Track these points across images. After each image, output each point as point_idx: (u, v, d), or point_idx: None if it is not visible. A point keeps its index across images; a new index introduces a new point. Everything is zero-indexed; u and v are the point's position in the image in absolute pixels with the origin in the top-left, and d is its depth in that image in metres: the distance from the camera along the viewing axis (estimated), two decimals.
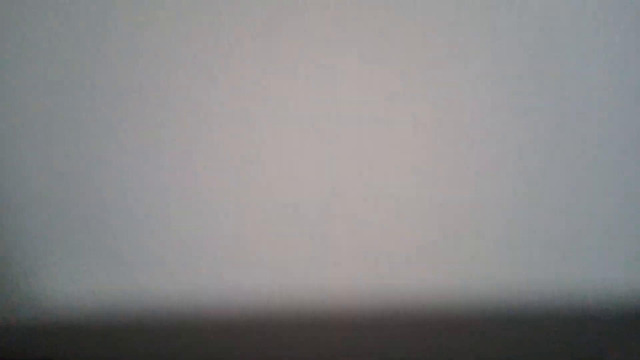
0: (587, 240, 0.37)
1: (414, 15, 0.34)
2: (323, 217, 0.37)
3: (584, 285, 0.38)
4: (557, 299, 0.39)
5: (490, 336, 0.40)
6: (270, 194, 0.38)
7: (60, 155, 0.38)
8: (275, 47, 0.34)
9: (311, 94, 0.34)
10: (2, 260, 0.40)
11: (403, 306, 0.40)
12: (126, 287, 0.41)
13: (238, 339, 0.43)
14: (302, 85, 0.35)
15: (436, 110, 0.34)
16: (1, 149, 0.38)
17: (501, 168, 0.35)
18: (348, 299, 0.41)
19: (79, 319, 0.42)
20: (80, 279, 0.41)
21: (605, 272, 0.37)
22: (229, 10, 0.34)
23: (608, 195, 0.35)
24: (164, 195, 0.39)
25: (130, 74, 0.35)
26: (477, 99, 0.33)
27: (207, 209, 0.39)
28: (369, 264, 0.39)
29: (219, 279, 0.41)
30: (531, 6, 0.33)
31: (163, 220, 0.40)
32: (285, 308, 0.42)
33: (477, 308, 0.40)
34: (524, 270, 0.38)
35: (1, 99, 0.36)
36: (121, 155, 0.38)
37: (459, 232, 0.37)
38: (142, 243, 0.41)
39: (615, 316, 0.38)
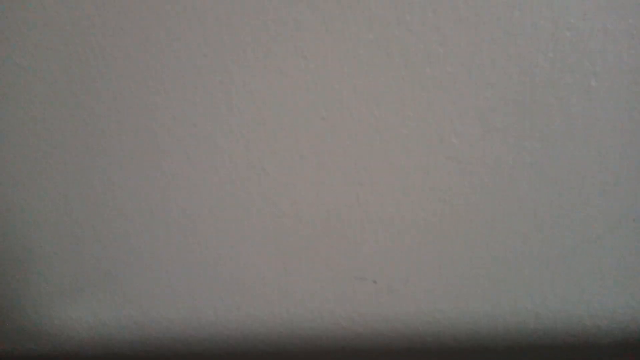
0: (582, 259, 0.38)
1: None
2: (320, 240, 0.38)
3: (582, 307, 0.39)
4: (555, 321, 0.40)
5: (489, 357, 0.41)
6: (271, 217, 0.39)
7: (70, 194, 0.39)
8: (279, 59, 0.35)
9: (309, 117, 0.36)
10: (16, 294, 0.42)
11: (402, 328, 0.41)
12: (131, 314, 0.42)
13: None
14: (299, 108, 0.36)
15: (431, 131, 0.35)
16: (18, 196, 0.39)
17: (496, 190, 0.36)
18: (347, 321, 0.41)
19: (87, 347, 0.43)
20: (90, 308, 0.42)
21: (603, 295, 0.38)
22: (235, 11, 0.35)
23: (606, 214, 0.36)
24: (165, 221, 0.40)
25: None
26: (470, 124, 0.34)
27: (207, 233, 0.40)
28: (367, 286, 0.40)
29: (220, 305, 0.42)
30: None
31: (165, 250, 0.41)
32: (283, 329, 0.43)
33: (475, 331, 0.41)
34: (521, 292, 0.39)
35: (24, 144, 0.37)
36: (123, 188, 0.39)
37: (456, 254, 0.38)
38: (145, 272, 0.41)
39: (614, 339, 0.39)
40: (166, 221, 0.40)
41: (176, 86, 0.35)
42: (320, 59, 0.34)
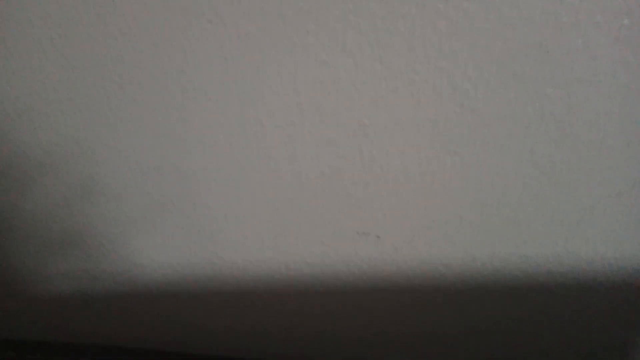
0: (596, 213, 0.36)
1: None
2: (321, 196, 0.36)
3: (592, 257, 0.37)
4: (568, 278, 0.38)
5: (492, 310, 0.40)
6: (268, 172, 0.37)
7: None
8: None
9: (310, 70, 0.33)
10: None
11: (405, 284, 0.40)
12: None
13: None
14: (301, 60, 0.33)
15: (443, 78, 0.32)
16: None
17: (511, 142, 0.33)
18: (348, 277, 0.40)
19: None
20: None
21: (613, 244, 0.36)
22: None
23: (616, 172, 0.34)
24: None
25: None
26: (486, 69, 0.31)
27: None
28: (370, 242, 0.38)
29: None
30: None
31: (160, 207, 0.39)
32: (281, 285, 0.42)
33: (483, 288, 0.39)
34: (533, 250, 0.37)
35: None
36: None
37: (465, 210, 0.36)
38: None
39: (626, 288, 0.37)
40: (160, 177, 0.38)
41: (166, 36, 0.32)
42: None
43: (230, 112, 0.34)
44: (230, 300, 0.43)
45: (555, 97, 0.31)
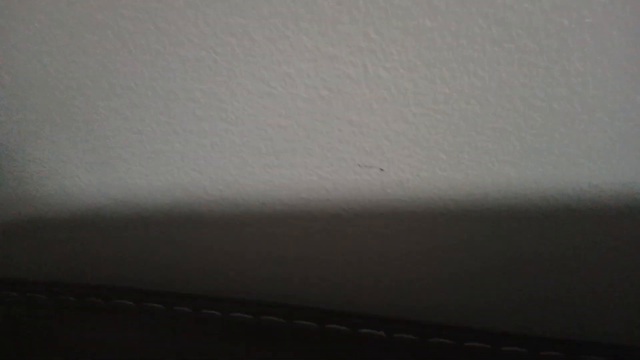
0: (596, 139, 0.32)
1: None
2: (318, 121, 0.32)
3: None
4: (587, 210, 0.35)
5: (492, 231, 0.37)
6: (258, 94, 0.32)
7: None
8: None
9: None
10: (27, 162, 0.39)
11: (410, 221, 0.36)
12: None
13: (236, 231, 0.40)
14: None
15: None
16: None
17: (535, 58, 0.28)
18: (348, 213, 0.37)
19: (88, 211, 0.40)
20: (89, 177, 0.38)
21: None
22: None
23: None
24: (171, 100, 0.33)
25: None
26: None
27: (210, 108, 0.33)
28: (373, 175, 0.34)
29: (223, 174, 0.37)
30: None
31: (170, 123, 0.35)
32: (276, 220, 0.39)
33: (494, 223, 0.36)
34: (551, 178, 0.33)
35: None
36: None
37: (480, 140, 0.32)
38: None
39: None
40: (137, 99, 0.33)
41: None
42: None
43: (213, 20, 0.29)
44: (216, 235, 0.40)
45: (597, 4, 0.26)
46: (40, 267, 0.46)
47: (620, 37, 0.27)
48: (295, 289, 0.42)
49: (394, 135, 0.32)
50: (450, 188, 0.34)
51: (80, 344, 0.42)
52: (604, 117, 0.30)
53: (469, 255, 0.37)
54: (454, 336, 0.37)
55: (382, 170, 0.34)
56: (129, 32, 0.31)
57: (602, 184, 0.32)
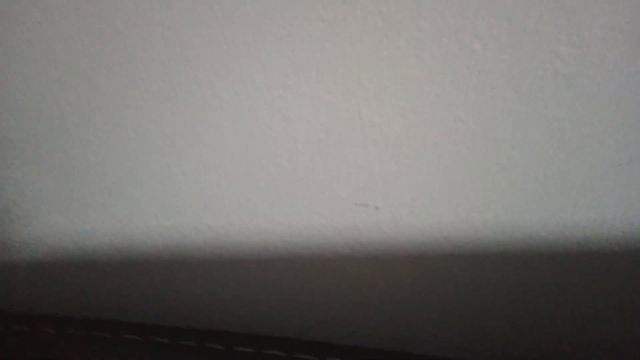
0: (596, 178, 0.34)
1: None
2: (316, 162, 0.34)
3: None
4: (572, 248, 0.37)
5: (494, 278, 0.38)
6: (260, 135, 0.35)
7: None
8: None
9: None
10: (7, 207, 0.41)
11: (406, 258, 0.38)
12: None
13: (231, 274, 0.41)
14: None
15: (449, 34, 0.30)
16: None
17: (522, 106, 0.31)
18: (346, 249, 0.38)
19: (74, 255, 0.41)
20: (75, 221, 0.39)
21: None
22: None
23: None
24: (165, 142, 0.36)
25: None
26: (495, 25, 0.29)
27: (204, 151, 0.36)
28: (369, 213, 0.36)
29: (217, 220, 0.39)
30: None
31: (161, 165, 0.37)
32: (275, 257, 0.40)
33: (486, 261, 0.38)
34: (538, 221, 0.35)
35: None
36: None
37: (470, 179, 0.34)
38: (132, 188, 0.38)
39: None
40: (147, 143, 0.36)
41: None
42: None
43: (220, 70, 0.32)
44: (220, 272, 0.41)
45: (568, 56, 0.29)
46: (49, 301, 0.47)
47: (592, 86, 0.30)
48: (295, 324, 0.44)
49: (388, 175, 0.34)
50: (443, 226, 0.36)
51: None
52: (581, 155, 0.32)
53: (463, 292, 0.39)
54: None
55: (377, 208, 0.36)
56: (142, 79, 0.34)
57: (583, 220, 0.34)
